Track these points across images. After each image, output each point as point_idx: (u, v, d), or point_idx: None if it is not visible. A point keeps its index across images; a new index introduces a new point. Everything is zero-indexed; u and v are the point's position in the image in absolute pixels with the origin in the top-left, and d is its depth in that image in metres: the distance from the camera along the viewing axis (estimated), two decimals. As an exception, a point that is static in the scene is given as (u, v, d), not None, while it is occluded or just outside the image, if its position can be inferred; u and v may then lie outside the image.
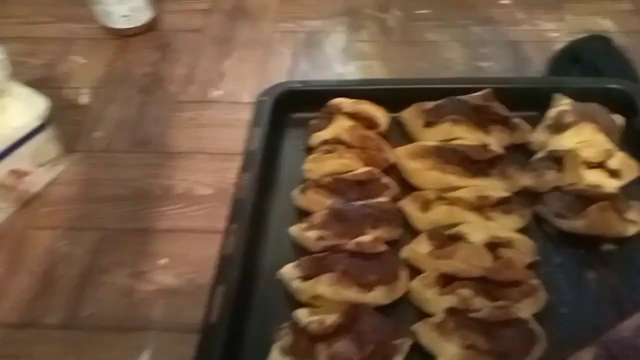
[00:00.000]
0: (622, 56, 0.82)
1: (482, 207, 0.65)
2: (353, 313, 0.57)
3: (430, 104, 0.75)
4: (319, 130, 0.75)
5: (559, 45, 0.87)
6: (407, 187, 0.70)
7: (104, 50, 0.97)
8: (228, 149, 0.78)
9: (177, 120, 0.84)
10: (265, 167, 0.71)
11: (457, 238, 0.61)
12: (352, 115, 0.75)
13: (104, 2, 0.92)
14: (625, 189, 0.66)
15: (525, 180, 0.69)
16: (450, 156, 0.69)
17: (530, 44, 0.92)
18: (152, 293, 0.65)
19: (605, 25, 0.94)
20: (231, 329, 0.56)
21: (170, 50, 0.96)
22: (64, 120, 0.82)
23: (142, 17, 0.96)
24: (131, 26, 0.96)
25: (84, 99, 0.87)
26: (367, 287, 0.59)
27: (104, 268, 0.68)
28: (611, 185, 0.65)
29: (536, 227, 0.66)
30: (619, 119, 0.72)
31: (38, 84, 0.80)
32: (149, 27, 0.99)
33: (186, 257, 0.67)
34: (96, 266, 0.68)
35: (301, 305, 0.60)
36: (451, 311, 0.56)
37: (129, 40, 0.98)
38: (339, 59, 0.92)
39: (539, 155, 0.70)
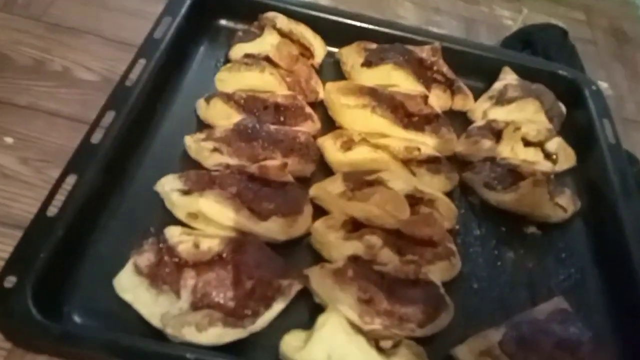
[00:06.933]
0: (574, 51, 0.78)
1: (409, 160, 0.57)
2: (237, 242, 0.46)
3: (373, 45, 0.67)
4: (244, 42, 0.64)
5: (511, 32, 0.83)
6: (332, 128, 0.61)
7: None
8: (129, 39, 0.64)
9: (75, -6, 0.68)
10: (169, 63, 0.58)
11: (376, 185, 0.52)
12: (286, 36, 0.65)
13: None
14: (558, 177, 0.61)
15: (459, 145, 0.62)
16: (385, 101, 0.60)
17: (483, 24, 0.87)
18: (-18, 173, 0.49)
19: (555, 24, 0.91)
20: (73, 231, 0.43)
21: None
22: None
23: None
24: None
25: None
26: (261, 215, 0.48)
27: None
28: (547, 166, 0.60)
29: (460, 196, 0.59)
30: (562, 107, 0.67)
31: None
32: None
33: (41, 142, 0.53)
34: None
35: (177, 224, 0.48)
36: (353, 259, 0.47)
37: None
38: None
39: (478, 123, 0.64)
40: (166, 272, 0.44)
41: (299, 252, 0.50)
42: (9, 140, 0.52)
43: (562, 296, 0.49)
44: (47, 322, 0.37)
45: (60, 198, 0.44)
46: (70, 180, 0.45)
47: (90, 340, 0.38)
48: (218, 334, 0.41)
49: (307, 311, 0.46)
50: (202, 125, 0.57)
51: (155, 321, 0.41)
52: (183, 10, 0.62)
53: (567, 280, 0.54)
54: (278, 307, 0.44)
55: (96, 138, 0.48)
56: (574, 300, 0.51)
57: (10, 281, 0.38)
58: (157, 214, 0.49)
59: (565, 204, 0.57)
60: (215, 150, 0.52)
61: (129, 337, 0.39)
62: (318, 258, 0.50)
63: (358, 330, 0.43)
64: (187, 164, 0.53)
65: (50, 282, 0.40)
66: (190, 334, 0.40)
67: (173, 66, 0.60)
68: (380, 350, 0.43)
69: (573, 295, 0.52)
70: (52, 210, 0.43)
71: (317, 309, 0.45)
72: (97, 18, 0.66)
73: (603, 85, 0.84)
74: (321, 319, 0.43)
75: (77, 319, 0.41)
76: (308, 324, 0.44)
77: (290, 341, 0.42)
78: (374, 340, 0.43)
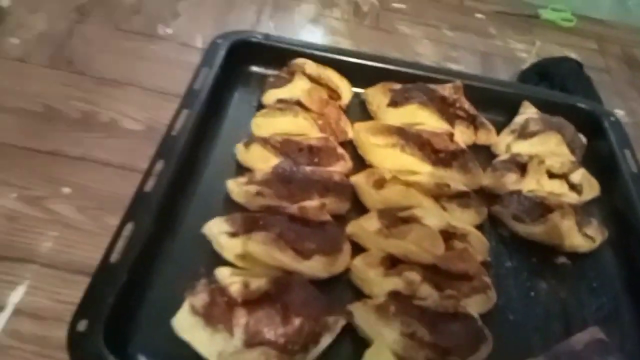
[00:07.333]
0: (590, 83, 0.81)
1: (440, 196, 0.59)
2: (283, 281, 0.49)
3: (397, 85, 0.70)
4: (276, 87, 0.68)
5: (526, 65, 0.86)
6: (362, 166, 0.64)
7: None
8: (168, 89, 0.68)
9: (114, 48, 0.73)
10: (208, 111, 0.62)
11: (410, 221, 0.55)
12: (315, 80, 0.68)
13: None
14: (583, 207, 0.63)
15: (485, 179, 0.65)
16: (413, 139, 0.63)
17: (499, 58, 0.90)
18: (44, 223, 0.53)
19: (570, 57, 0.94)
20: (134, 275, 0.46)
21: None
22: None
23: None
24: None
25: (4, 1, 0.74)
26: (305, 254, 0.51)
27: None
28: (572, 197, 0.62)
29: (490, 229, 0.61)
30: (583, 138, 0.70)
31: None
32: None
33: (96, 190, 0.56)
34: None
35: (225, 264, 0.51)
36: (394, 295, 0.50)
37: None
38: (306, 27, 0.86)
39: (502, 157, 0.67)
40: (219, 312, 0.47)
41: (340, 288, 0.52)
42: (66, 190, 0.55)
43: (596, 326, 0.50)
44: (118, 364, 0.40)
45: (118, 244, 0.47)
46: (128, 227, 0.48)
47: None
48: (273, 371, 0.43)
49: (350, 345, 0.48)
50: (241, 169, 0.60)
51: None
52: (219, 60, 0.66)
53: (601, 309, 0.56)
54: (325, 342, 0.47)
55: (148, 186, 0.51)
56: (607, 329, 0.53)
57: (82, 325, 0.41)
58: (205, 254, 0.52)
59: (593, 234, 0.59)
60: (257, 193, 0.55)
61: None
62: (358, 293, 0.52)
63: (404, 364, 0.45)
64: (230, 206, 0.56)
65: (116, 325, 0.43)
66: (248, 372, 0.42)
67: (211, 114, 0.63)
68: (425, 383, 0.45)
69: (606, 324, 0.54)
70: (113, 257, 0.46)
71: (360, 343, 0.48)
72: (136, 69, 0.71)
73: (619, 113, 0.86)
74: (368, 355, 0.45)
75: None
76: (352, 357, 0.47)
77: (340, 377, 0.44)
78: (420, 373, 0.45)
